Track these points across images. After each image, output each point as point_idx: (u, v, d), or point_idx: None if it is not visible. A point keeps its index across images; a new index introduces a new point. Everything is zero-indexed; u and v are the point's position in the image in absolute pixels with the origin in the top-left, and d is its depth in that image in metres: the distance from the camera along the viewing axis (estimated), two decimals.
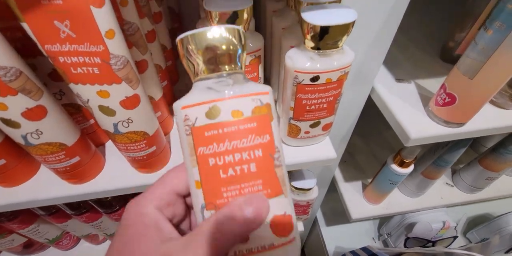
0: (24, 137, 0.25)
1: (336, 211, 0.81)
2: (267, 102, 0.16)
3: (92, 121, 0.34)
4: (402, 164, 0.46)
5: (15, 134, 0.25)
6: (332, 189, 0.63)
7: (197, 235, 0.14)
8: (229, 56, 0.16)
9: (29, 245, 0.51)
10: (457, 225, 0.65)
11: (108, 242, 0.56)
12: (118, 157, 0.32)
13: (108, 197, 0.41)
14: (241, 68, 0.17)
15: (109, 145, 0.36)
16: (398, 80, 0.41)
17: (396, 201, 0.59)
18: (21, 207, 0.32)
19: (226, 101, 0.15)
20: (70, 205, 0.42)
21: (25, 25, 0.19)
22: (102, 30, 0.20)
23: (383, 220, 0.79)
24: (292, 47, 0.27)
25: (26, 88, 0.22)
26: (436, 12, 0.56)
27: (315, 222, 0.83)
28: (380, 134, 0.70)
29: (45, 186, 0.32)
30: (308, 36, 0.24)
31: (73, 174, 0.30)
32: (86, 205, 0.43)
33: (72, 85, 0.23)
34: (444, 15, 0.54)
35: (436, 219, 0.64)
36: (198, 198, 0.16)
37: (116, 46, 0.21)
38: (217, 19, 0.25)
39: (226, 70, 0.16)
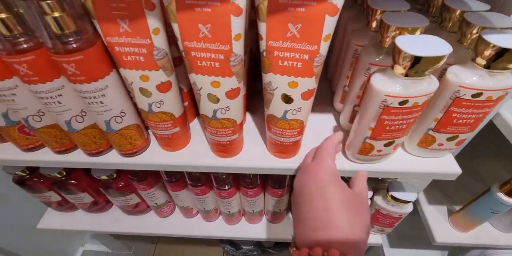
0: (150, 105, 0.32)
1: (402, 234, 0.79)
2: None
3: (186, 103, 0.40)
4: (510, 194, 0.45)
5: (143, 102, 0.32)
6: None
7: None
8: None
9: (138, 205, 0.60)
10: None
11: (198, 217, 0.63)
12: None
13: (224, 175, 0.47)
14: None
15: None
16: None
17: (487, 233, 0.56)
18: (175, 169, 0.39)
19: None
20: (190, 175, 0.48)
21: (175, 25, 0.25)
22: (233, 33, 0.25)
23: (455, 252, 0.75)
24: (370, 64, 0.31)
25: (165, 66, 0.29)
26: None
27: None
28: (471, 161, 0.68)
29: (194, 155, 0.38)
30: (400, 63, 0.25)
31: (169, 143, 0.37)
32: (204, 178, 0.49)
33: (193, 75, 0.28)
34: None
35: None
36: None
37: (238, 47, 0.26)
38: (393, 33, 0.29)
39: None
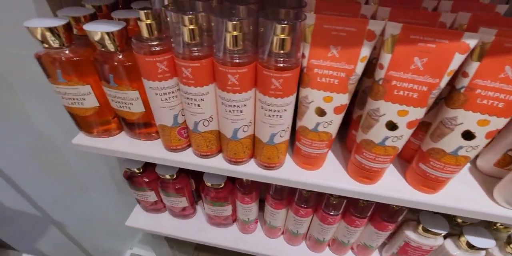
0: (318, 124, 0.33)
1: None
2: None
3: None
4: None
5: (311, 120, 0.33)
6: None
7: None
8: None
9: (227, 218, 0.60)
10: None
11: (281, 238, 0.62)
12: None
13: (336, 200, 0.46)
14: None
15: None
16: None
17: None
18: (314, 188, 0.39)
19: None
20: (300, 195, 0.48)
21: (387, 56, 0.27)
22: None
23: None
24: None
25: (351, 91, 0.31)
26: None
27: None
28: None
29: (331, 176, 0.39)
30: None
31: (312, 161, 0.38)
32: (313, 200, 0.49)
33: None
34: None
35: None
36: None
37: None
38: None
39: None
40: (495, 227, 0.49)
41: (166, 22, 0.31)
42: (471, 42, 0.24)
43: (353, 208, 0.48)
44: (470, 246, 0.44)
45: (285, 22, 0.26)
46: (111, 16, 0.36)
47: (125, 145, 0.43)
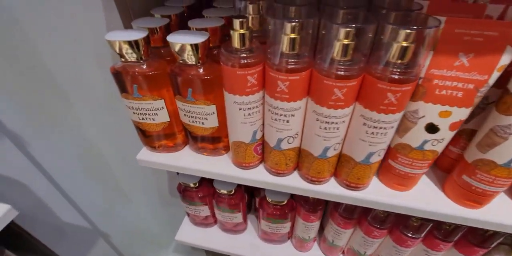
0: (424, 142, 0.29)
1: None
2: None
3: None
4: None
5: (417, 138, 0.29)
6: None
7: None
8: None
9: (283, 235, 0.57)
10: None
11: None
12: None
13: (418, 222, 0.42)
14: None
15: None
16: None
17: None
18: (404, 211, 0.35)
19: None
20: (375, 215, 0.44)
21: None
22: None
23: None
24: None
25: (475, 104, 0.27)
26: None
27: None
28: None
29: (426, 198, 0.34)
30: None
31: (406, 182, 0.35)
32: (389, 221, 0.44)
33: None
34: None
35: None
36: None
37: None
38: None
39: None
40: None
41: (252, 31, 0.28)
42: None
43: (436, 231, 0.43)
44: None
45: (414, 27, 0.22)
46: (184, 25, 0.34)
47: (191, 161, 0.40)
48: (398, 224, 0.44)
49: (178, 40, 0.28)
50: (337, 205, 0.47)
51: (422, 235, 0.43)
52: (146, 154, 0.41)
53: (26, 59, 0.42)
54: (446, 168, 0.37)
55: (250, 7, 0.30)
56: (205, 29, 0.32)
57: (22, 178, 0.48)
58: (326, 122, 0.28)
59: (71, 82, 0.46)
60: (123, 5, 0.35)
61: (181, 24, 0.36)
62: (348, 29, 0.23)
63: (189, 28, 0.33)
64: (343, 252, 0.57)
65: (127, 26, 0.36)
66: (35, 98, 0.46)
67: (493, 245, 0.41)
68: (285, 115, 0.29)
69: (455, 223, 0.39)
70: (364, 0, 0.29)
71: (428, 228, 0.42)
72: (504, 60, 0.23)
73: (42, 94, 0.47)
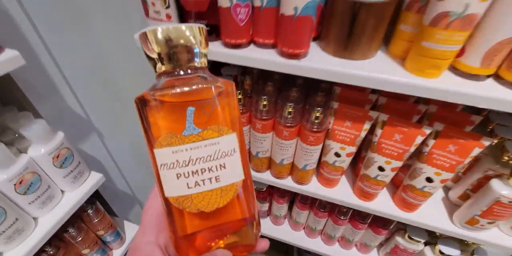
0: (335, 161, 0.51)
1: None
2: None
3: None
4: None
5: None
6: None
7: None
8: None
9: (265, 212, 0.82)
10: None
11: (302, 232, 0.82)
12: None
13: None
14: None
15: None
16: None
17: None
18: (327, 199, 0.59)
19: None
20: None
21: (379, 130, 0.44)
22: (414, 142, 0.43)
23: None
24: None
25: None
26: None
27: None
28: None
29: (342, 192, 0.58)
30: None
31: (329, 183, 0.56)
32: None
33: (375, 155, 0.47)
34: None
35: None
36: None
37: (412, 149, 0.44)
38: None
39: None
40: (466, 242, 0.65)
41: None
42: (427, 130, 0.43)
43: (358, 216, 0.67)
44: (441, 253, 0.61)
45: (320, 109, 0.46)
46: None
47: None
48: (333, 210, 0.69)
49: None
50: (297, 195, 0.71)
51: (347, 218, 0.67)
52: None
53: None
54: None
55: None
56: None
57: None
58: (281, 146, 0.53)
59: (126, 85, 0.73)
60: None
61: None
62: (290, 104, 0.47)
63: None
64: (303, 227, 0.81)
65: None
66: None
67: (391, 227, 0.65)
68: (260, 139, 0.54)
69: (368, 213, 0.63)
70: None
71: (350, 213, 0.66)
72: (365, 126, 0.47)
73: None
